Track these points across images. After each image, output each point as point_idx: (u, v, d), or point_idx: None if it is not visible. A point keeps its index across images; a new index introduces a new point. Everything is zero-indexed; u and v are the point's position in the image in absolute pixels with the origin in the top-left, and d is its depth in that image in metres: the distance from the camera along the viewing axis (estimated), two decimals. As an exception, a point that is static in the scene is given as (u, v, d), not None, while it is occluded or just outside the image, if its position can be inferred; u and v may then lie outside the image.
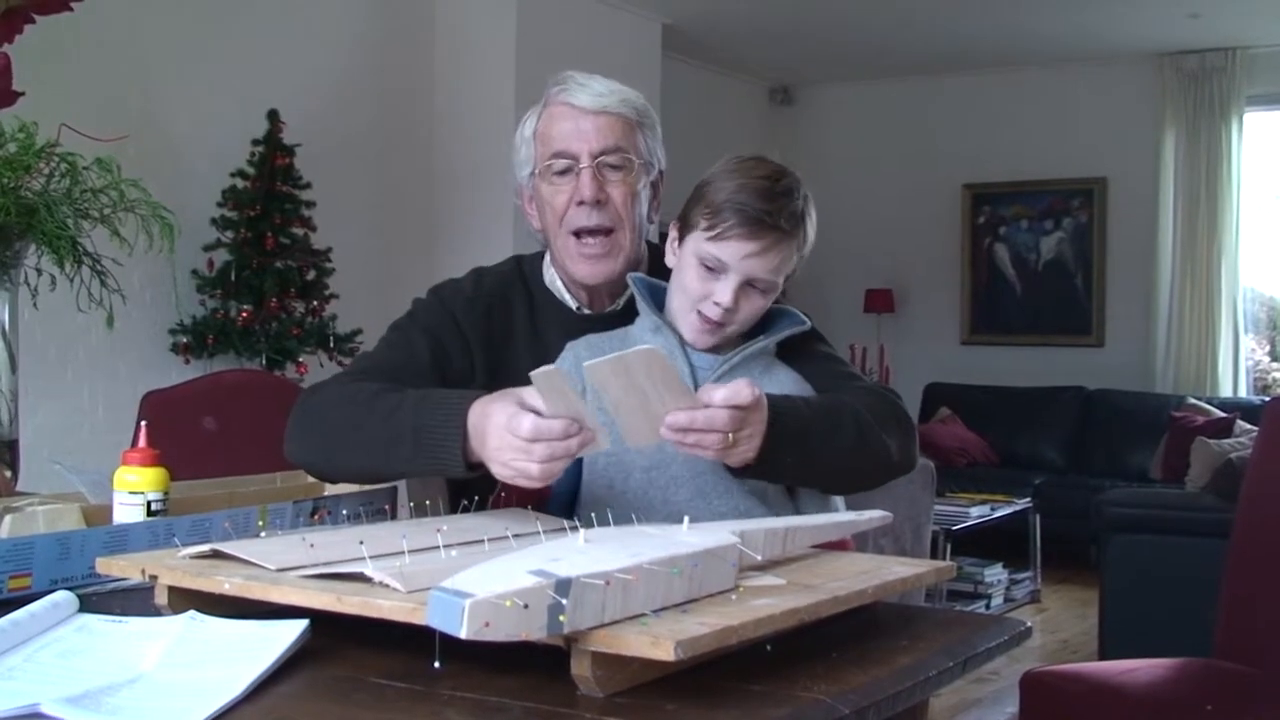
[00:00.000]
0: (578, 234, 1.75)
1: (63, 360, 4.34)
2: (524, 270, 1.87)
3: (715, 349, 1.66)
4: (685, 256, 1.63)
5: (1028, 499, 6.23)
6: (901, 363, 8.11)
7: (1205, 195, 7.31)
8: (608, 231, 1.74)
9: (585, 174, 1.73)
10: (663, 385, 1.38)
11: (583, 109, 1.74)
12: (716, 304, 1.59)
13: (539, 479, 1.41)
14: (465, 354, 1.77)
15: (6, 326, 1.89)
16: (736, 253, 1.58)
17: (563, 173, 1.75)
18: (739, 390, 1.42)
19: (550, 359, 1.76)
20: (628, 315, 1.76)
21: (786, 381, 1.69)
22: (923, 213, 8.24)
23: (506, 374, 1.77)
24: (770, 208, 1.57)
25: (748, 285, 1.60)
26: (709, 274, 1.60)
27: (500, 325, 1.81)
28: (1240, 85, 7.26)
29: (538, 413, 1.38)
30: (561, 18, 6.08)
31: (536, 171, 1.79)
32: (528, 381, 1.75)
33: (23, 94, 1.96)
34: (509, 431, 1.39)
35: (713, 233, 1.58)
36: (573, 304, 1.83)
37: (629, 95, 1.78)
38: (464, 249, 5.58)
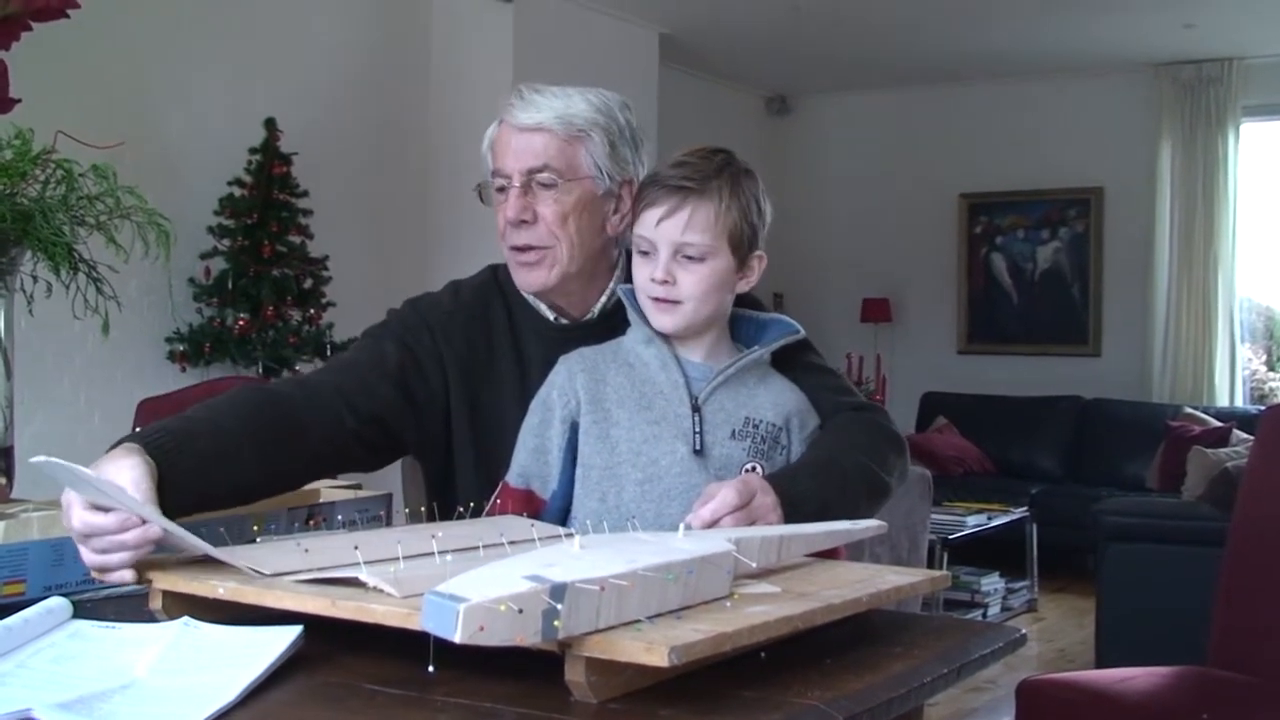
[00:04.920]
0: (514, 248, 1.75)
1: (59, 367, 4.33)
2: (500, 280, 1.85)
3: (680, 335, 1.65)
4: (632, 256, 1.68)
5: (1024, 508, 6.22)
6: (898, 372, 8.11)
7: (1202, 205, 7.32)
8: (538, 249, 1.72)
9: (512, 193, 1.72)
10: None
11: (517, 127, 1.72)
12: (653, 280, 1.62)
13: (100, 576, 1.27)
14: (439, 372, 1.75)
15: (2, 333, 1.89)
16: (651, 223, 1.62)
17: (501, 189, 1.75)
18: (724, 500, 1.45)
19: (531, 369, 1.75)
20: (604, 326, 1.76)
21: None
22: (919, 222, 8.25)
23: (490, 388, 1.76)
24: (676, 173, 1.62)
25: (681, 257, 1.62)
26: (645, 259, 1.64)
27: (481, 338, 1.78)
28: (1236, 95, 7.27)
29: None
30: (558, 27, 6.09)
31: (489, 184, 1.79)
32: (511, 394, 1.75)
33: (19, 100, 1.96)
34: (64, 521, 1.27)
35: (635, 217, 1.65)
36: (549, 314, 1.80)
37: (573, 110, 1.72)
38: (460, 258, 5.55)
